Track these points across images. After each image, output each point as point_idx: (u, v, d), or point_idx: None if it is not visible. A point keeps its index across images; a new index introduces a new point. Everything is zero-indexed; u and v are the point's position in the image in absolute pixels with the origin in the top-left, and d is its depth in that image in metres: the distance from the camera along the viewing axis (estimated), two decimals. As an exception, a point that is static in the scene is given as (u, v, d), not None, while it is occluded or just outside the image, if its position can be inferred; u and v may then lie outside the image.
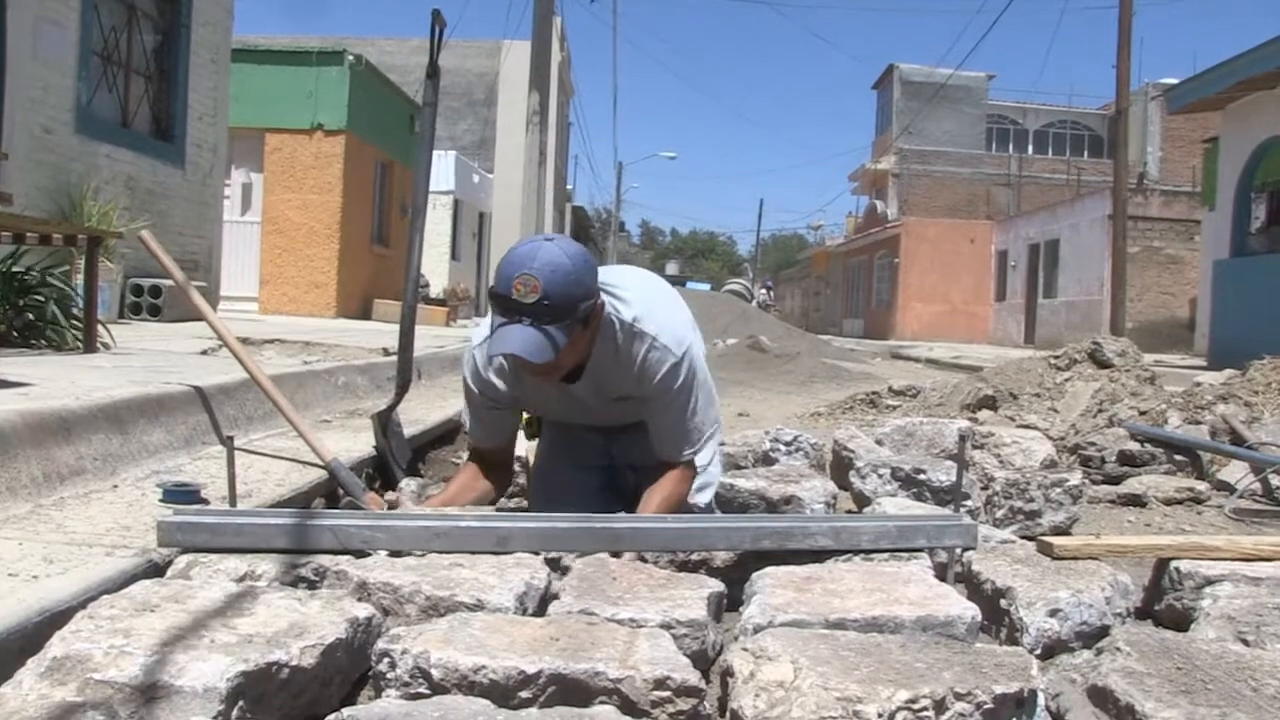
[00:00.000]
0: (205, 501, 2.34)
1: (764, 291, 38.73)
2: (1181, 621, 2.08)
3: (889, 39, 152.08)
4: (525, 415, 2.98)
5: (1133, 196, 20.18)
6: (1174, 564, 2.21)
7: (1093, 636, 1.92)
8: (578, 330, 2.23)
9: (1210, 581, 2.09)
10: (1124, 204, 16.12)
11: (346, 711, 1.30)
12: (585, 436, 2.76)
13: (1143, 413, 5.00)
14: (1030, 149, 38.53)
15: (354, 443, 3.42)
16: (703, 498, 2.71)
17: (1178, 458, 4.33)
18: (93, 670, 1.33)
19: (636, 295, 2.44)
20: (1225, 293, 14.49)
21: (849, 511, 3.16)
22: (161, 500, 2.32)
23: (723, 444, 3.61)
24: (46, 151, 7.64)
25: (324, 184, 14.21)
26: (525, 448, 3.46)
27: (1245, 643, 1.74)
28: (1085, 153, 38.03)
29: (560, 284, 2.14)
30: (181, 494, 2.32)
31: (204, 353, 5.02)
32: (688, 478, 2.52)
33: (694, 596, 1.85)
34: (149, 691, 1.31)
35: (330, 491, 2.86)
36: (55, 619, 1.54)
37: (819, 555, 2.21)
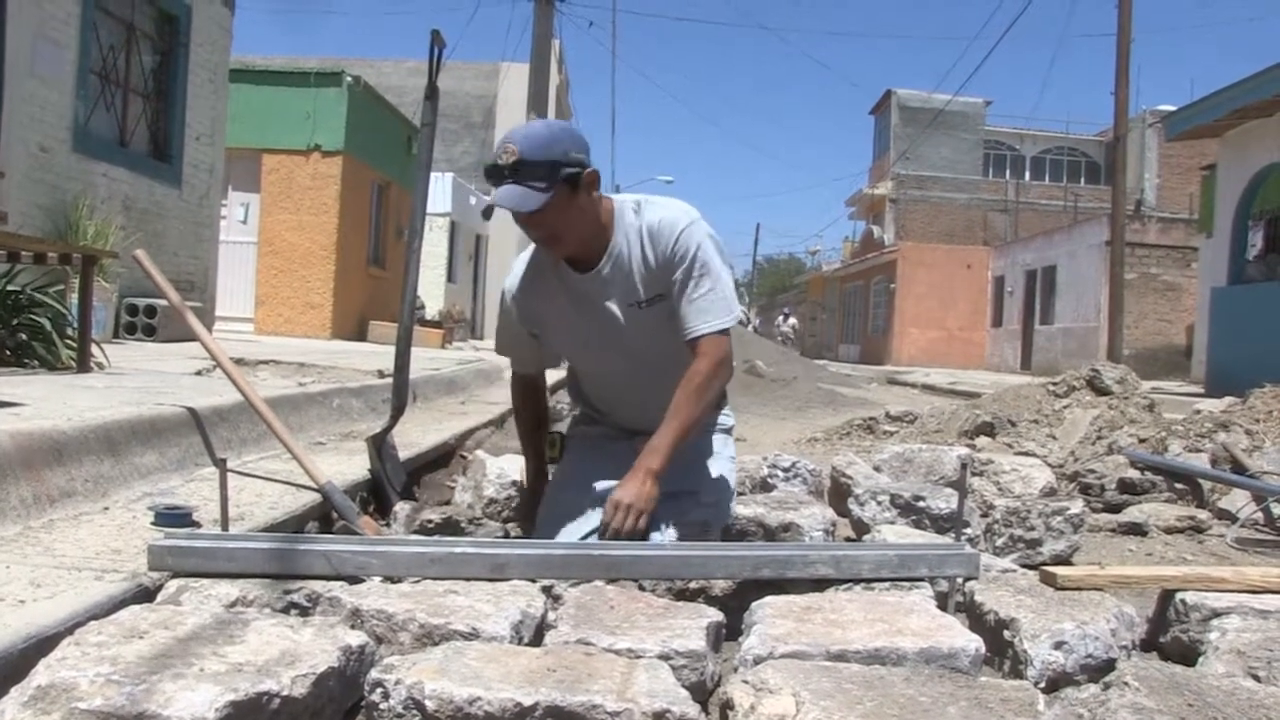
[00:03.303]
0: (197, 524, 2.31)
1: (781, 318, 38.13)
2: (1188, 654, 2.05)
3: (887, 65, 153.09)
4: (549, 436, 2.97)
5: (1130, 223, 20.23)
6: (1180, 595, 2.17)
7: (1098, 670, 1.88)
8: (564, 193, 2.37)
9: (1217, 614, 2.05)
10: (1122, 230, 16.19)
11: (338, 744, 1.26)
12: (606, 465, 2.70)
13: (1142, 440, 4.98)
14: (1027, 175, 38.70)
15: (348, 466, 3.39)
16: (725, 508, 2.80)
17: (1178, 486, 4.30)
18: (78, 699, 1.29)
19: (646, 196, 2.67)
20: (1222, 320, 14.50)
21: (847, 539, 3.13)
22: (153, 523, 2.29)
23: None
24: (43, 170, 7.63)
25: (321, 205, 14.21)
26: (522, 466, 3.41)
27: (1257, 678, 1.70)
28: (1082, 179, 38.19)
29: (536, 145, 2.35)
30: (173, 517, 2.29)
31: (198, 373, 4.98)
32: (710, 362, 2.54)
33: (693, 626, 1.81)
34: (135, 722, 1.27)
35: (324, 515, 2.82)
36: (41, 645, 1.50)
37: (818, 584, 2.18)
